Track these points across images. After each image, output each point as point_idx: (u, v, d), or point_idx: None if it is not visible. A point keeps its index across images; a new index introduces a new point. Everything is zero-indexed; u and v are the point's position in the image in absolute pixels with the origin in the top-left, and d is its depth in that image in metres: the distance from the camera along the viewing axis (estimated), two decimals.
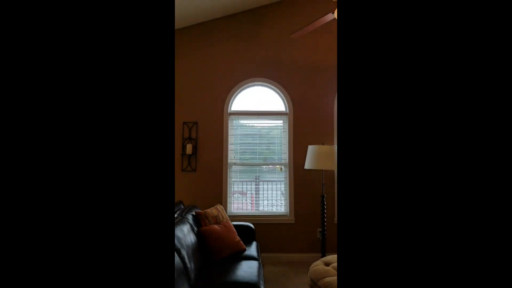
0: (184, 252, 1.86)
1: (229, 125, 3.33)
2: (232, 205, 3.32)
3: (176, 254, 1.75)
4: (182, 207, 2.80)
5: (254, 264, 2.16)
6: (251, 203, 3.38)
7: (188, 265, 1.83)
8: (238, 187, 3.37)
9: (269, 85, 3.37)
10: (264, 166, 3.37)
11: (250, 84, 3.38)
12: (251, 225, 2.80)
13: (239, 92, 3.39)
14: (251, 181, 3.39)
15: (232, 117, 3.36)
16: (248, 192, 3.41)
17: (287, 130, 3.33)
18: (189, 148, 3.25)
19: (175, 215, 2.37)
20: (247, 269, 2.06)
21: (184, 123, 3.32)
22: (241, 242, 2.41)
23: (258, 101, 3.42)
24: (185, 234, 2.05)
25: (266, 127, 3.40)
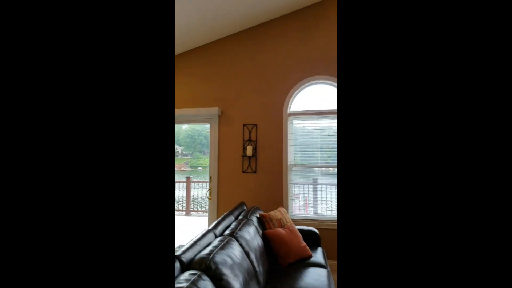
0: (253, 256, 1.85)
1: (288, 126, 3.27)
2: (293, 208, 3.24)
3: (246, 257, 1.75)
4: (245, 208, 2.83)
5: (322, 272, 2.05)
6: (304, 206, 3.26)
7: (257, 268, 1.82)
8: (297, 190, 3.28)
9: (331, 82, 3.21)
10: (317, 168, 3.22)
11: (311, 82, 3.26)
12: (315, 230, 2.69)
13: (298, 92, 3.30)
14: (308, 184, 3.28)
15: (291, 117, 3.29)
16: (306, 195, 3.30)
17: None
18: (249, 149, 3.28)
19: (240, 216, 2.39)
20: (316, 277, 1.96)
21: (244, 125, 3.36)
22: (307, 247, 2.32)
23: (319, 100, 3.28)
24: (252, 236, 2.04)
25: (328, 127, 3.25)
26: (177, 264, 1.35)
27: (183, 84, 3.60)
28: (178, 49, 3.53)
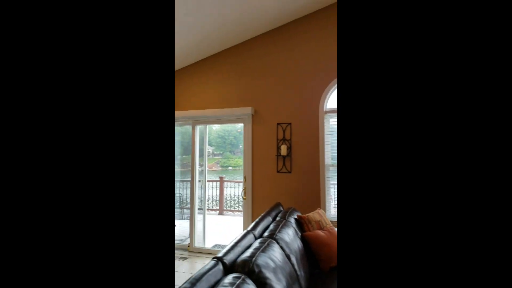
0: (293, 259, 1.78)
1: (325, 124, 3.14)
2: (331, 210, 3.11)
3: (287, 260, 1.69)
4: (282, 209, 2.77)
5: None
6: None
7: (298, 272, 1.75)
8: (332, 191, 3.14)
9: None
10: None
11: None
12: None
13: (335, 89, 3.16)
14: None
15: (328, 115, 3.16)
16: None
17: None
18: (283, 149, 3.21)
19: (278, 218, 2.33)
20: None
21: (278, 124, 3.30)
22: None
23: None
24: (291, 238, 1.98)
25: None
26: (220, 266, 1.33)
27: (216, 84, 3.62)
28: (210, 51, 3.57)
